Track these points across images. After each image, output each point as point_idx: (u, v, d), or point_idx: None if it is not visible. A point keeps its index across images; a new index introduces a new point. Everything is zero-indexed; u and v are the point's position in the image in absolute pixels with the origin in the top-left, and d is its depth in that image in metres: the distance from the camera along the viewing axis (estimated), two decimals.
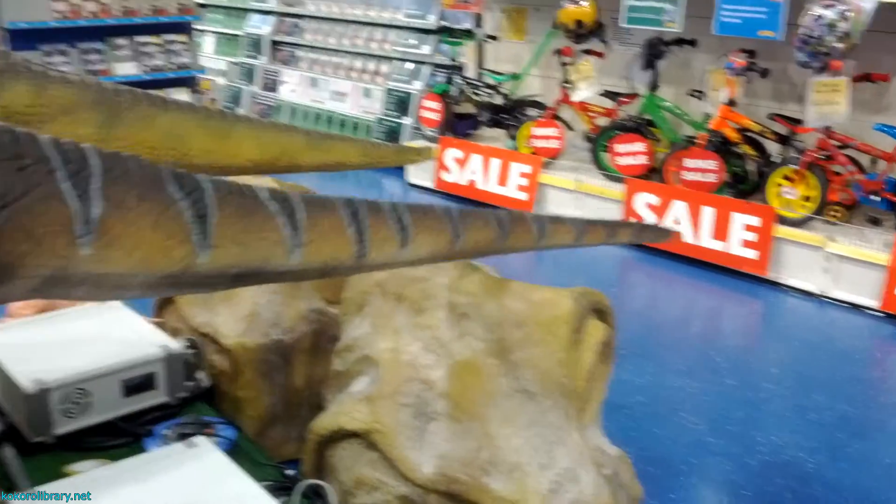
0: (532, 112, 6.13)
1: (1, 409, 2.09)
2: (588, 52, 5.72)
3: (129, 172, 1.32)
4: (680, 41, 5.31)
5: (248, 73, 9.49)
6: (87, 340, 2.19)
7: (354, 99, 8.21)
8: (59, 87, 1.91)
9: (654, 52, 5.39)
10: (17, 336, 2.23)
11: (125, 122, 1.93)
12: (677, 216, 5.03)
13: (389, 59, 8.03)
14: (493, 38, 6.69)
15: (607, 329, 2.11)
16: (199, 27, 8.41)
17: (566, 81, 5.80)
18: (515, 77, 6.42)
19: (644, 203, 5.20)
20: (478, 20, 6.83)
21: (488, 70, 6.69)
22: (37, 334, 2.25)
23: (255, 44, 9.55)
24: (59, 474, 1.84)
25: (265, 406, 2.34)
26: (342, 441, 1.92)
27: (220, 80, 9.58)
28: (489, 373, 1.90)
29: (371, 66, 8.28)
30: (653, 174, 5.39)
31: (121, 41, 7.55)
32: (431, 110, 6.60)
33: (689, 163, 4.98)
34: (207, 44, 10.13)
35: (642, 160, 5.38)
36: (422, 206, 1.72)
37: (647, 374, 3.55)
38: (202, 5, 9.39)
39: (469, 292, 2.03)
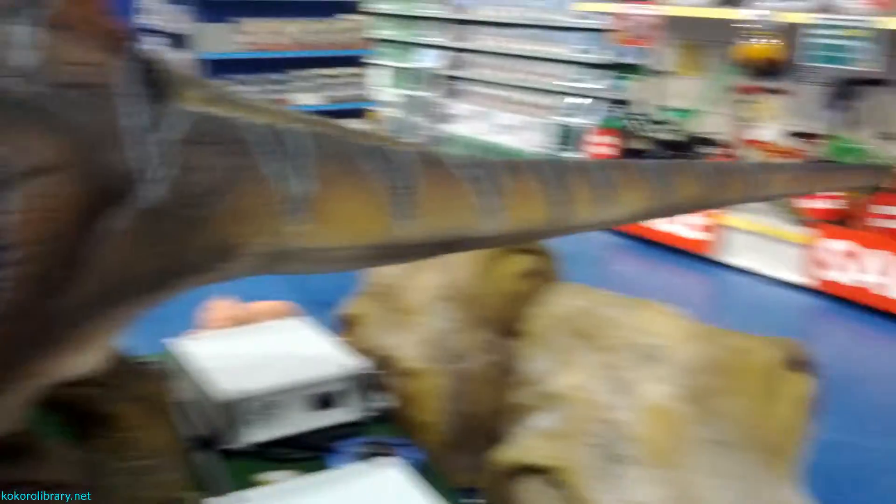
0: (706, 149, 5.95)
1: (194, 416, 2.18)
2: (771, 89, 5.50)
3: (332, 148, 1.37)
4: (872, 81, 5.02)
5: (418, 106, 9.73)
6: (278, 354, 2.27)
7: (522, 132, 8.25)
8: (262, 116, 2.00)
9: (844, 91, 5.12)
10: (213, 347, 2.34)
11: None
12: (871, 266, 4.72)
13: (559, 93, 8.02)
14: (667, 73, 6.56)
15: (809, 383, 1.98)
16: (372, 61, 8.70)
17: (745, 119, 5.60)
18: (689, 113, 6.26)
19: (834, 250, 4.92)
20: (651, 55, 6.72)
21: (661, 105, 6.56)
22: (231, 345, 2.35)
23: (425, 77, 9.79)
24: (247, 482, 1.89)
25: (443, 432, 2.33)
26: (525, 476, 1.88)
27: (391, 112, 9.87)
28: (682, 419, 1.81)
29: (540, 100, 8.30)
30: (844, 220, 5.09)
31: (300, 72, 7.90)
32: (601, 145, 6.52)
33: (884, 209, 4.67)
34: (380, 76, 10.49)
35: (832, 204, 5.10)
36: (621, 163, 1.68)
37: (845, 433, 3.32)
38: (376, 40, 9.74)
39: (660, 334, 1.96)
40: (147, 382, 1.84)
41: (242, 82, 7.45)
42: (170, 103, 1.26)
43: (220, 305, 2.64)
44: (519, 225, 1.57)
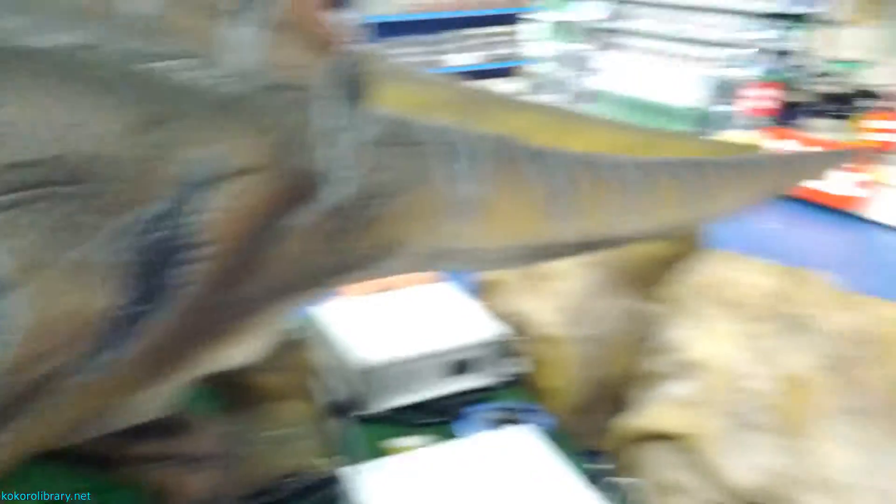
0: (867, 103, 5.55)
1: (331, 382, 2.26)
2: None
3: (499, 153, 1.41)
4: None
5: (571, 60, 9.57)
6: (416, 320, 2.32)
7: (678, 86, 7.97)
8: (417, 88, 2.02)
9: None
10: (350, 313, 2.40)
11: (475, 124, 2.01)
12: None
13: (719, 45, 7.67)
14: (842, 22, 6.13)
15: None
16: (531, 16, 8.60)
17: None
18: (858, 65, 5.84)
19: None
20: (827, 3, 6.29)
21: (830, 57, 6.15)
22: (368, 312, 2.42)
23: (580, 31, 9.60)
24: (377, 449, 1.97)
25: (572, 397, 2.34)
26: (652, 441, 1.87)
27: (542, 68, 9.75)
28: (821, 389, 1.75)
29: (698, 52, 7.97)
30: None
31: (455, 32, 7.92)
32: (760, 99, 6.21)
33: None
34: (535, 31, 10.36)
35: None
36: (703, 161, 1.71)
37: None
38: None
39: (806, 303, 1.89)
40: (289, 353, 1.93)
41: (401, 44, 7.55)
42: (365, 104, 1.28)
43: None
44: (661, 224, 1.56)
